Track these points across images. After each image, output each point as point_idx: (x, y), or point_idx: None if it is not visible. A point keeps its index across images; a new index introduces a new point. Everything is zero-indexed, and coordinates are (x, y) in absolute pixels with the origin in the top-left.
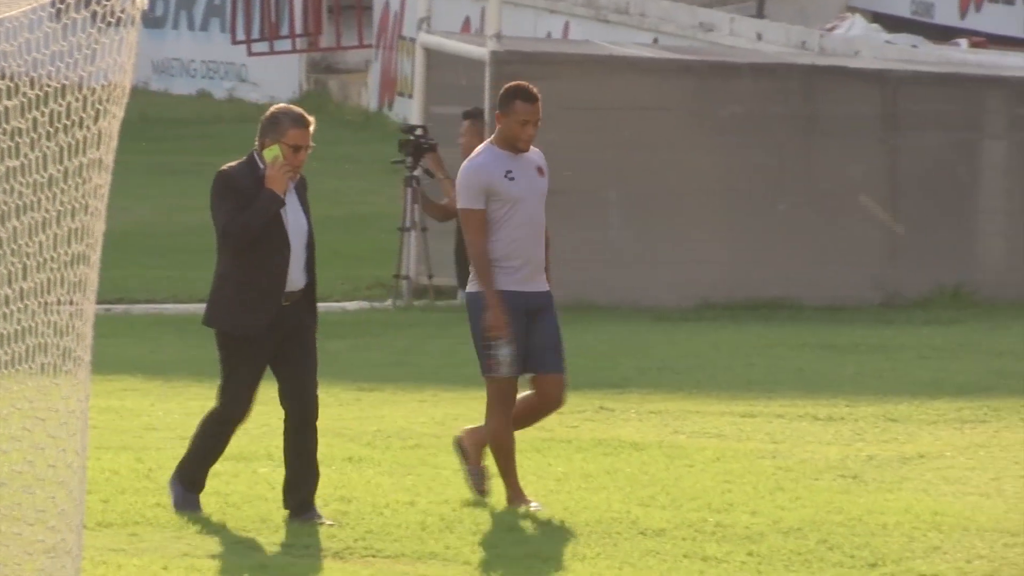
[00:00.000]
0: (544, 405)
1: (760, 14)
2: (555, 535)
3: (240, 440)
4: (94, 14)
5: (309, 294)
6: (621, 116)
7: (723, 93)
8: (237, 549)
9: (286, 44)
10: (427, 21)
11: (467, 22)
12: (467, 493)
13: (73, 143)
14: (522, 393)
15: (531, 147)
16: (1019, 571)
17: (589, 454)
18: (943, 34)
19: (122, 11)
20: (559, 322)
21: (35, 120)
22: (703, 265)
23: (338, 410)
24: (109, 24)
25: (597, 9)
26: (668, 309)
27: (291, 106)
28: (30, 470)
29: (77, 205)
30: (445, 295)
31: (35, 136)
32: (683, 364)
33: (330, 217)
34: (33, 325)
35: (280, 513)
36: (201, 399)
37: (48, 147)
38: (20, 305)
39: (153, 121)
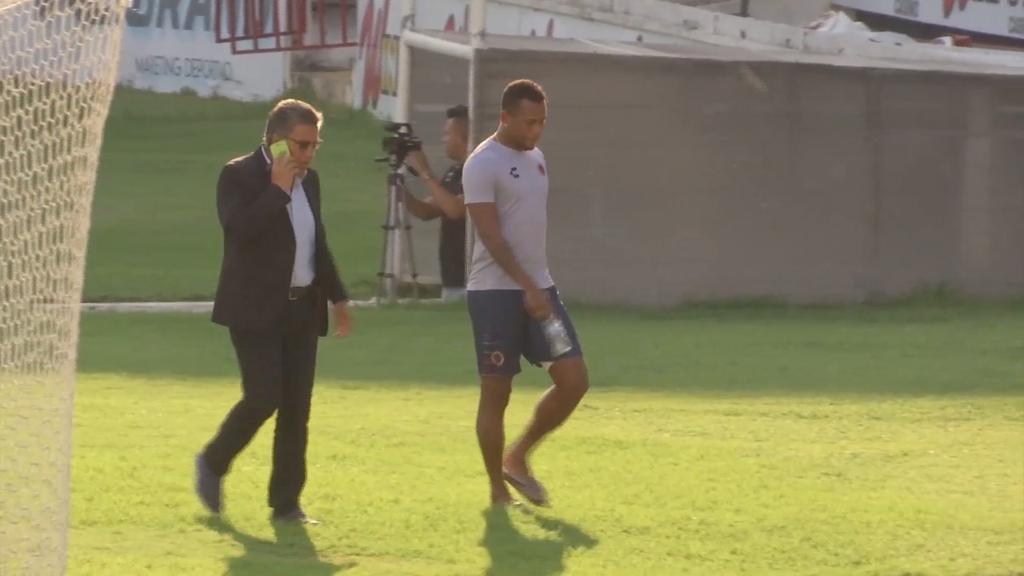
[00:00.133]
0: (566, 393)
1: (744, 12)
2: (539, 533)
3: None
4: (78, 12)
5: (314, 293)
6: (605, 114)
7: (707, 91)
8: (221, 547)
9: (270, 42)
10: (411, 19)
11: (451, 20)
12: (450, 491)
13: (58, 141)
14: (544, 393)
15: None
16: (1002, 569)
17: (573, 452)
18: (927, 32)
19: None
20: (565, 311)
21: (19, 118)
22: (687, 263)
23: (322, 408)
24: (93, 22)
25: (581, 7)
26: (652, 307)
27: (299, 102)
28: (13, 468)
29: (62, 203)
30: (429, 293)
31: (19, 134)
32: (667, 362)
33: None
34: (18, 324)
35: (264, 511)
36: (184, 397)
37: (32, 145)
38: (5, 303)
39: (137, 119)
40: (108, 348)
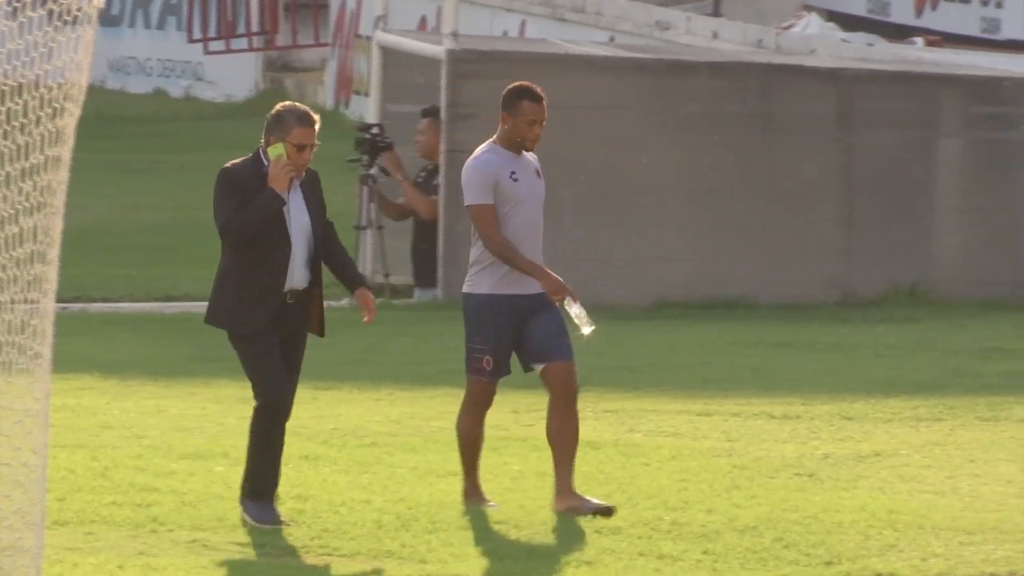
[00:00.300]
0: (557, 394)
1: (716, 13)
2: (511, 534)
3: (196, 439)
4: (50, 12)
5: (310, 295)
6: (578, 114)
7: (679, 92)
8: (193, 548)
9: (242, 42)
10: (383, 19)
11: (423, 21)
12: (422, 491)
13: (30, 141)
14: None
15: (531, 153)
16: (974, 569)
17: (545, 453)
18: (899, 32)
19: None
20: (559, 314)
21: None
22: (660, 264)
23: (295, 409)
24: (65, 22)
25: (554, 8)
26: (625, 308)
27: (296, 104)
28: None
29: (34, 203)
30: (402, 294)
31: None
32: (640, 363)
33: None
34: None
35: (236, 511)
36: (157, 398)
37: (5, 145)
38: None
39: (109, 119)
40: (80, 348)
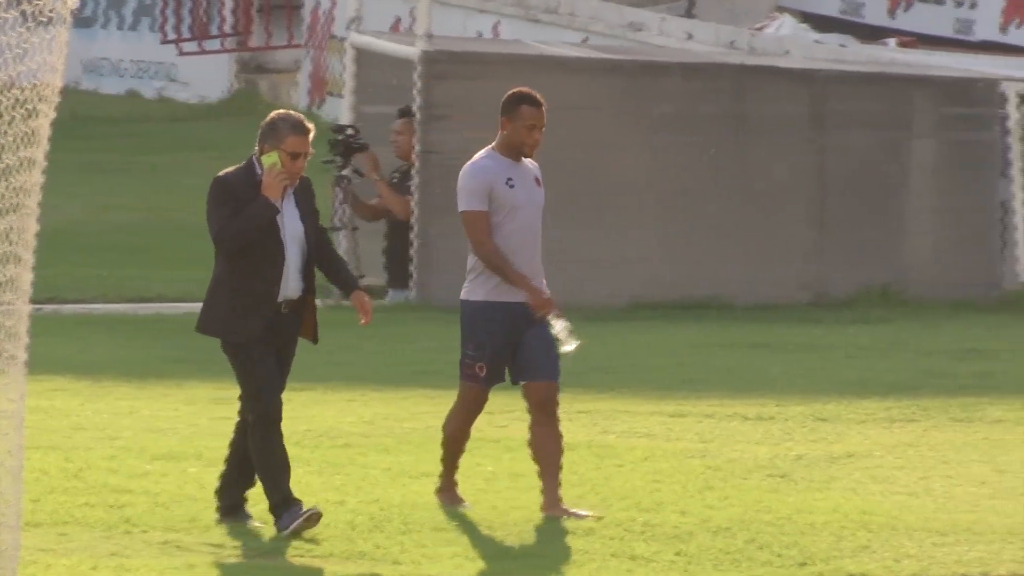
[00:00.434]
0: (535, 415)
1: (690, 14)
2: (484, 535)
3: (170, 440)
4: (24, 13)
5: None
6: (551, 115)
7: (653, 92)
8: (166, 549)
9: (216, 44)
10: (357, 21)
11: (397, 22)
12: (395, 492)
13: (4, 142)
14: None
15: (531, 160)
16: (947, 570)
17: (518, 454)
18: (872, 34)
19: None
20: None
21: None
22: (633, 264)
23: None
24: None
25: (527, 9)
26: (598, 308)
27: (290, 112)
28: None
29: (9, 205)
30: (375, 295)
31: None
32: (613, 364)
33: None
34: None
35: (209, 513)
36: (130, 399)
37: None
38: None
39: (83, 120)
40: (53, 350)
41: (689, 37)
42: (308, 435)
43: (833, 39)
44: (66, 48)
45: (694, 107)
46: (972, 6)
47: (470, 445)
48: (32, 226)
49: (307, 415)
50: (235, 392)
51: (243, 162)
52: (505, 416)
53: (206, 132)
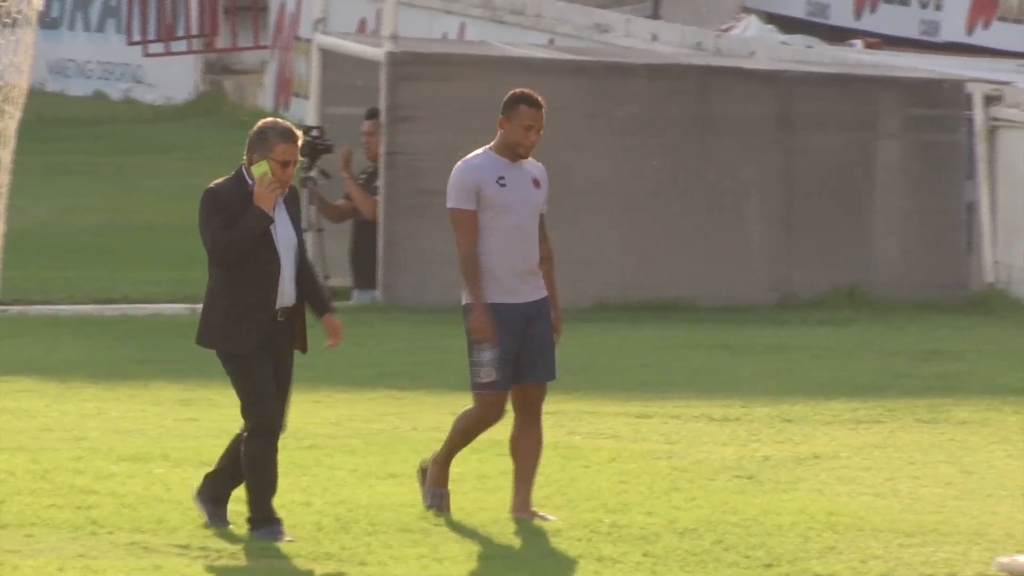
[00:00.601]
0: (518, 413)
1: (655, 15)
2: (450, 536)
3: (136, 441)
4: None
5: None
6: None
7: (618, 93)
8: (133, 550)
9: (182, 45)
10: (323, 22)
11: (363, 23)
12: (362, 493)
13: None
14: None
15: (533, 160)
16: (913, 571)
17: (485, 455)
18: (838, 35)
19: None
20: (549, 330)
21: None
22: (599, 265)
23: (234, 411)
24: (5, 25)
25: (493, 10)
26: (564, 310)
27: (278, 120)
28: None
29: None
30: (340, 296)
31: None
32: (579, 365)
33: None
34: None
35: (176, 514)
36: (97, 400)
37: None
38: None
39: (49, 122)
40: (20, 351)
41: (655, 38)
42: None
43: (799, 40)
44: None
45: (660, 108)
46: (938, 7)
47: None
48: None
49: None
50: (202, 394)
51: (232, 172)
52: None
53: (172, 133)
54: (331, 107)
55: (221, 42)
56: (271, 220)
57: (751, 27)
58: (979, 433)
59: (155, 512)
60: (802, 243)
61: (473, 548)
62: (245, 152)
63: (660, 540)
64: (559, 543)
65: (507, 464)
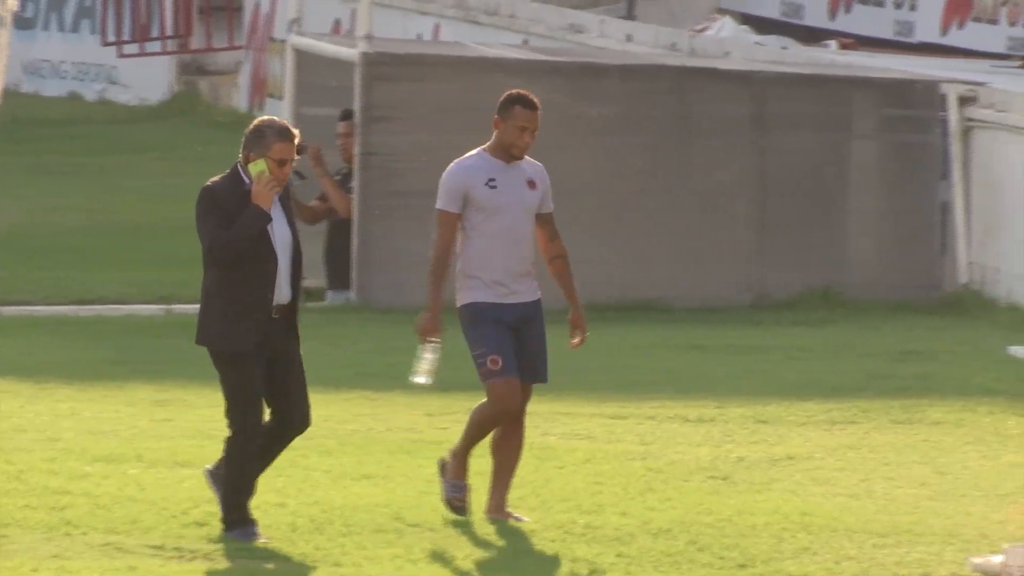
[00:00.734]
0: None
1: (630, 15)
2: (424, 537)
3: (110, 442)
4: None
5: (294, 311)
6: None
7: (593, 94)
8: (107, 551)
9: (156, 46)
10: (297, 23)
11: (338, 24)
12: (336, 494)
13: None
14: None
15: (532, 160)
16: (887, 572)
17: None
18: (812, 35)
19: None
20: (543, 332)
21: None
22: (574, 266)
23: (208, 412)
24: None
25: (467, 10)
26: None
27: (274, 118)
28: None
29: None
30: (314, 297)
31: None
32: (553, 365)
33: None
34: None
35: (150, 514)
36: (71, 401)
37: None
38: None
39: (24, 122)
40: None
41: (629, 39)
42: None
43: (773, 41)
44: (7, 50)
45: (634, 109)
46: (912, 8)
47: (410, 446)
48: None
49: None
50: (176, 394)
51: (228, 171)
52: (445, 418)
53: (147, 134)
54: (305, 108)
55: (195, 43)
56: (270, 219)
57: (725, 28)
58: (953, 434)
59: (129, 513)
60: (776, 243)
61: (447, 549)
62: (241, 150)
63: (634, 541)
64: (533, 544)
65: (481, 465)
